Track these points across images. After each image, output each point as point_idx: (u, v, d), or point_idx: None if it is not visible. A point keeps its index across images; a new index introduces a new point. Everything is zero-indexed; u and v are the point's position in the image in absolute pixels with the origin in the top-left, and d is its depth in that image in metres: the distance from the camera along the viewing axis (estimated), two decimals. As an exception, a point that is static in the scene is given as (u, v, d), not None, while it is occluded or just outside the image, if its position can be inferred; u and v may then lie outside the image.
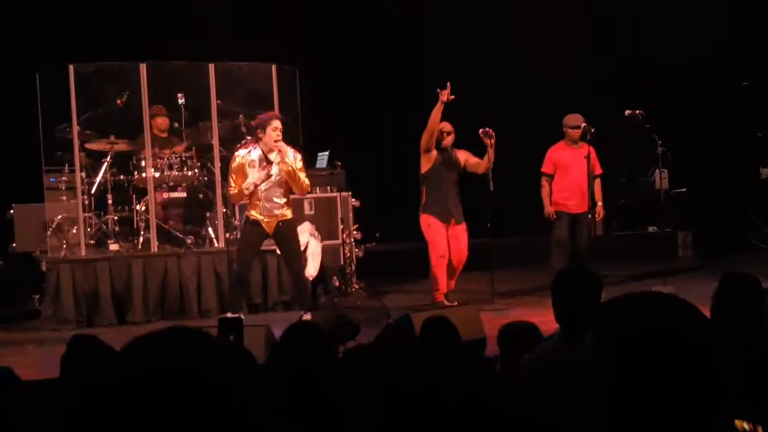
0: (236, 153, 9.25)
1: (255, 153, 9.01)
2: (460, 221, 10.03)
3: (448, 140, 10.03)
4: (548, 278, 4.42)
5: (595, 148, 10.34)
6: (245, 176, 8.96)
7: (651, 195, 14.08)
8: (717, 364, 1.69)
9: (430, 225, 9.99)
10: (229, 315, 8.58)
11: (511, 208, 12.00)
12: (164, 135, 11.40)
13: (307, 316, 8.73)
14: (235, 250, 9.63)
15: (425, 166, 10.04)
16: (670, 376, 1.66)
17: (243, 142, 10.52)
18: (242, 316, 8.77)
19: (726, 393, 1.72)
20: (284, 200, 9.04)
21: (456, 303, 9.57)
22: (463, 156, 10.10)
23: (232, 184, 9.06)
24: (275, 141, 8.84)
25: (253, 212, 9.03)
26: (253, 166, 8.96)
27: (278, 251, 9.70)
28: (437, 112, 9.69)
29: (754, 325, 4.22)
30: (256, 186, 8.93)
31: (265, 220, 8.99)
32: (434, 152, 10.00)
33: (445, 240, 9.96)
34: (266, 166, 8.94)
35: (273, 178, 8.93)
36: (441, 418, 3.25)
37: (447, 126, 10.02)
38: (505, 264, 11.42)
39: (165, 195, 10.99)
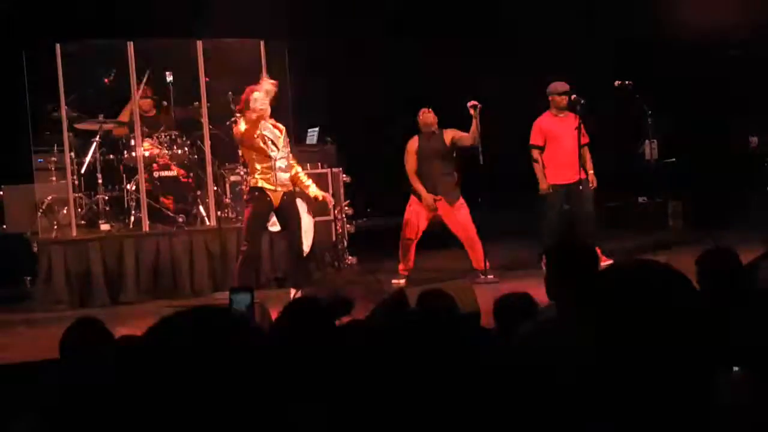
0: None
1: (265, 129, 8.75)
2: (453, 201, 10.05)
3: (429, 126, 10.04)
4: (537, 252, 4.42)
5: (585, 118, 10.31)
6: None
7: (641, 166, 14.08)
8: (706, 333, 1.71)
9: (411, 206, 10.19)
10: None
11: (502, 181, 11.98)
12: (151, 114, 11.35)
13: (298, 294, 8.67)
14: (242, 227, 9.30)
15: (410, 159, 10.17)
16: (660, 345, 1.67)
17: (233, 119, 10.47)
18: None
19: (714, 361, 1.73)
20: (289, 171, 8.96)
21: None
22: (450, 134, 10.10)
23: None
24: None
25: (262, 182, 8.71)
26: (267, 140, 8.79)
27: (273, 227, 9.54)
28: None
29: (738, 300, 4.22)
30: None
31: (277, 189, 8.75)
32: (416, 144, 10.07)
33: (419, 225, 10.10)
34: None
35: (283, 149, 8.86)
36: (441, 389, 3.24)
37: (429, 118, 10.05)
38: (497, 237, 11.41)
39: (155, 174, 10.94)
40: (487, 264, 9.97)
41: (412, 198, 10.20)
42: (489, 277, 9.88)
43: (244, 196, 9.22)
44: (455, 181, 10.14)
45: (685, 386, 1.68)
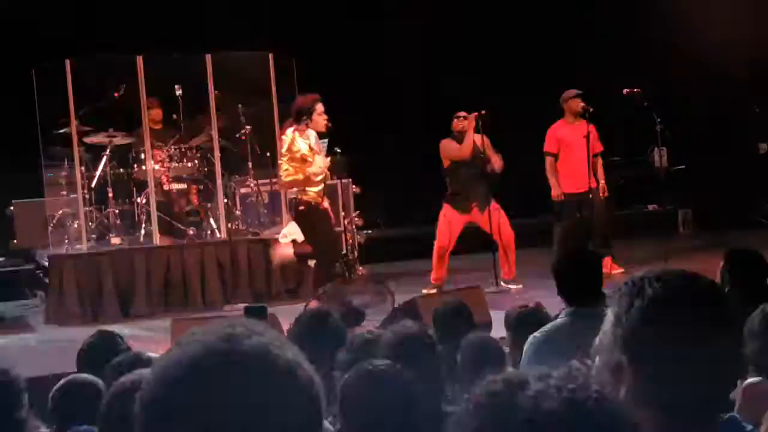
0: (293, 135, 8.86)
1: (315, 139, 8.90)
2: (484, 207, 10.01)
3: (460, 125, 10.04)
4: (551, 260, 4.43)
5: (594, 126, 10.32)
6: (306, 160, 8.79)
7: (650, 173, 14.07)
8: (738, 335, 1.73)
9: (445, 215, 10.14)
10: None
11: (513, 189, 11.99)
12: (158, 127, 11.39)
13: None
14: (309, 246, 9.18)
15: (445, 161, 10.16)
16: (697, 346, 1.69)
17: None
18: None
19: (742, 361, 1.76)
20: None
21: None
22: (479, 140, 10.11)
23: (292, 167, 8.75)
24: (326, 125, 8.86)
25: (314, 194, 8.82)
26: (320, 152, 8.92)
27: (283, 239, 9.56)
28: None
29: (760, 300, 4.22)
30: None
31: (323, 203, 8.93)
32: (453, 145, 10.09)
33: (453, 232, 10.06)
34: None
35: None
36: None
37: (460, 114, 10.07)
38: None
39: (165, 187, 10.97)
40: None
41: (445, 206, 10.15)
42: (514, 287, 9.91)
43: (300, 208, 8.83)
44: (487, 185, 10.11)
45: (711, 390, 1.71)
